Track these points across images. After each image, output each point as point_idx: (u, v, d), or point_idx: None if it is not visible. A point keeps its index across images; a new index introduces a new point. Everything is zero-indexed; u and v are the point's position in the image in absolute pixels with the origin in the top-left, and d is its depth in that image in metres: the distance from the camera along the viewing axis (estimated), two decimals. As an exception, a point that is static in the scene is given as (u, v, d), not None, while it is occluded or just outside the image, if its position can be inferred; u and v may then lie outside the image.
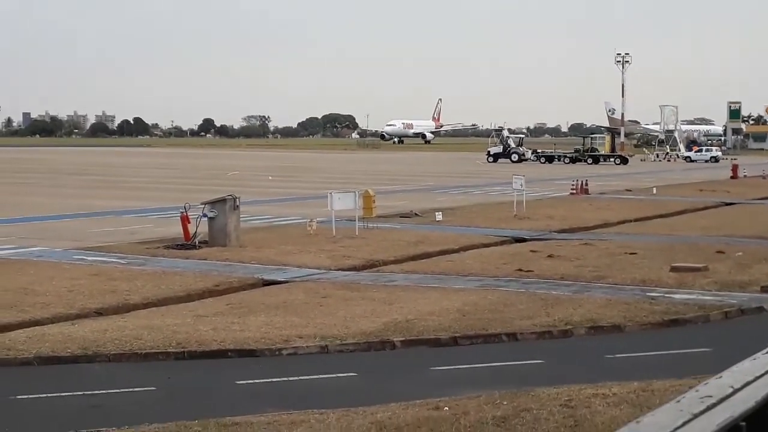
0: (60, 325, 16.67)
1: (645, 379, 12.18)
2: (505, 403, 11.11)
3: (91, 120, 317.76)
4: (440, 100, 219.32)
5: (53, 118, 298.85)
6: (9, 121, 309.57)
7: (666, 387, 11.56)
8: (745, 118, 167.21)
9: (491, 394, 11.62)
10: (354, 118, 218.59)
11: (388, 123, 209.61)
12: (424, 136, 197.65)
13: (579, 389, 11.64)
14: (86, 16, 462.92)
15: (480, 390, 12.06)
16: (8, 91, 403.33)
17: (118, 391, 13.18)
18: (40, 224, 34.00)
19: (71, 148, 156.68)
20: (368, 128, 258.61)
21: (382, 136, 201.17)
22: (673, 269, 22.49)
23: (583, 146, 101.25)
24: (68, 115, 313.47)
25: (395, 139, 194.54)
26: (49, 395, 12.97)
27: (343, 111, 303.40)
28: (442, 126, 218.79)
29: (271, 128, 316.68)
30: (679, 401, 3.23)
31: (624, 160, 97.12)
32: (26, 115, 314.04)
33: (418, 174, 73.71)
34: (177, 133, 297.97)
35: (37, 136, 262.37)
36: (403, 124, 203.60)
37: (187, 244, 26.67)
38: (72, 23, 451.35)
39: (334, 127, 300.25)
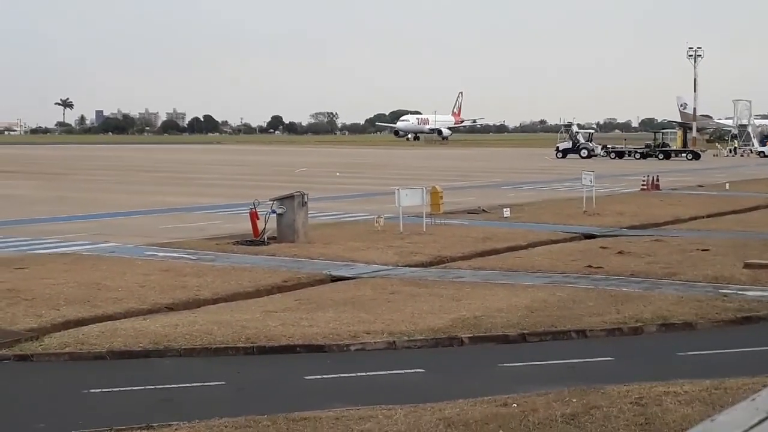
0: (132, 320, 16.90)
1: (717, 377, 11.98)
2: (574, 400, 11.01)
3: (162, 117, 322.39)
4: (461, 93, 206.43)
5: (125, 116, 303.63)
6: (82, 118, 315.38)
7: (739, 385, 11.37)
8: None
9: (560, 391, 11.52)
10: (421, 114, 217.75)
11: (402, 118, 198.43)
12: (440, 132, 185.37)
13: (650, 387, 11.50)
14: (156, 16, 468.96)
15: (549, 387, 11.97)
16: (82, 89, 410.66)
17: (188, 385, 13.32)
18: (113, 220, 34.52)
19: (143, 145, 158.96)
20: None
21: (396, 133, 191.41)
22: (747, 266, 22.10)
23: (654, 141, 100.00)
24: (140, 113, 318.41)
25: (409, 136, 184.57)
26: (121, 389, 13.15)
27: (411, 107, 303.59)
28: (462, 121, 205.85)
29: (339, 125, 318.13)
30: (754, 399, 3.16)
31: (696, 156, 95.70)
32: (99, 112, 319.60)
33: (486, 170, 73.42)
34: (246, 130, 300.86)
35: (110, 133, 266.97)
36: (418, 119, 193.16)
37: (256, 240, 26.88)
38: (143, 21, 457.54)
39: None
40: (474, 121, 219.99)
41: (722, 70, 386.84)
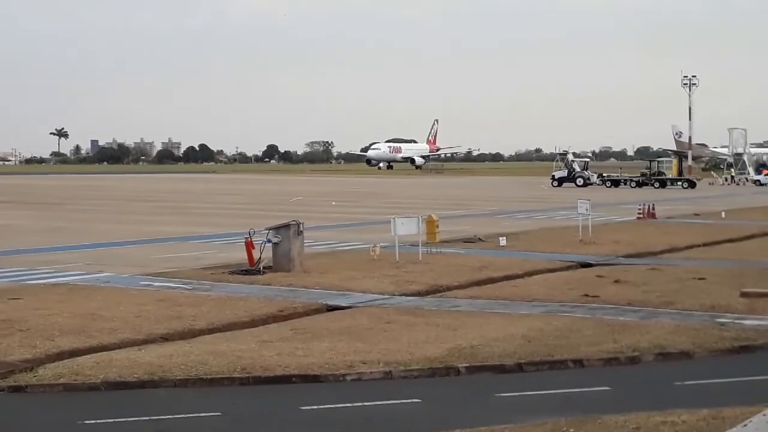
0: (127, 351, 16.82)
1: (715, 407, 11.94)
2: (572, 430, 10.96)
3: (158, 147, 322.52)
4: (436, 121, 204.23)
5: (120, 146, 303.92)
6: (77, 148, 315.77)
7: (736, 414, 11.32)
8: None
9: (558, 421, 11.47)
10: (416, 142, 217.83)
11: (373, 147, 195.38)
12: (413, 160, 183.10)
13: (647, 417, 11.45)
14: (150, 46, 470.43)
15: (546, 417, 11.92)
16: (77, 118, 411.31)
17: (183, 416, 13.24)
18: (108, 250, 34.44)
19: (138, 174, 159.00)
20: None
21: (368, 161, 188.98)
22: (743, 295, 22.09)
23: (649, 170, 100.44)
24: (135, 143, 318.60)
25: (381, 164, 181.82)
26: (115, 420, 13.06)
27: (406, 135, 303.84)
28: (438, 149, 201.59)
29: (334, 153, 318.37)
30: (746, 425, 3.15)
31: (692, 184, 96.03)
32: (94, 142, 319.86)
33: (482, 198, 73.49)
34: (241, 159, 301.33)
35: (105, 163, 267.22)
36: (390, 147, 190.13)
37: (251, 269, 26.83)
38: (137, 53, 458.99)
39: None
40: (469, 150, 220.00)
41: (718, 98, 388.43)
